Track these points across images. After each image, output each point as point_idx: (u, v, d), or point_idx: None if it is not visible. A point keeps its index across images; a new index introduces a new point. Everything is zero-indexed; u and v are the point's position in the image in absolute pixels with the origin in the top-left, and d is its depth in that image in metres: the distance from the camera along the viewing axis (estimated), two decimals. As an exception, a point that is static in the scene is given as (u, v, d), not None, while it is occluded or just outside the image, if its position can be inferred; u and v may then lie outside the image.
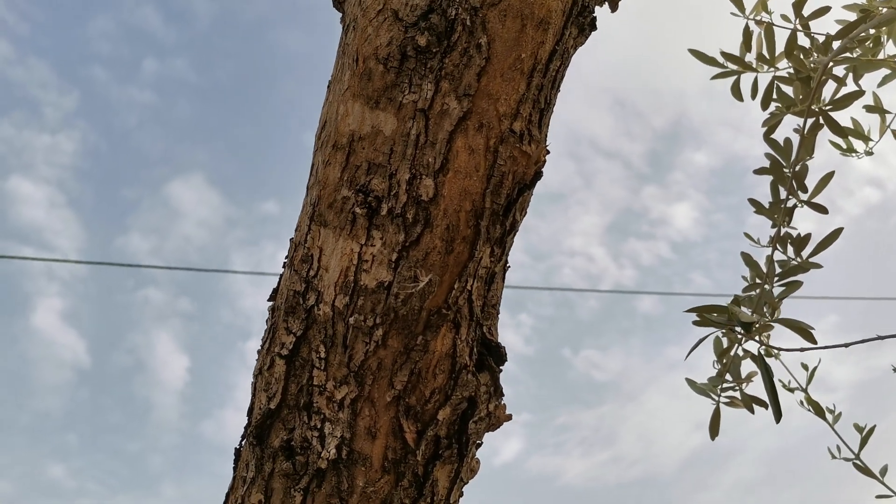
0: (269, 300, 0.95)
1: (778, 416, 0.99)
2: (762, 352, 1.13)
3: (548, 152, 0.89)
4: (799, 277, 1.58)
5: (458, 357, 0.86)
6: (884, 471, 1.90)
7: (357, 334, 0.83)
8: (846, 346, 1.26)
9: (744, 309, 1.61)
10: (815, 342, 1.48)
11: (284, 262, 0.94)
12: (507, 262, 0.91)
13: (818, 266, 1.55)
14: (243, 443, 0.93)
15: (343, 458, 0.83)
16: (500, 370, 0.95)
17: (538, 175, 0.86)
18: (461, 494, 0.97)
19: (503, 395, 0.96)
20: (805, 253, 1.57)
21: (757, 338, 1.23)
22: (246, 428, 0.93)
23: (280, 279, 0.94)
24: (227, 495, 0.93)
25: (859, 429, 1.93)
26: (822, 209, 1.61)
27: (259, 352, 0.94)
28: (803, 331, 1.45)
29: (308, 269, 0.87)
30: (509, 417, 1.02)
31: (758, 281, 1.61)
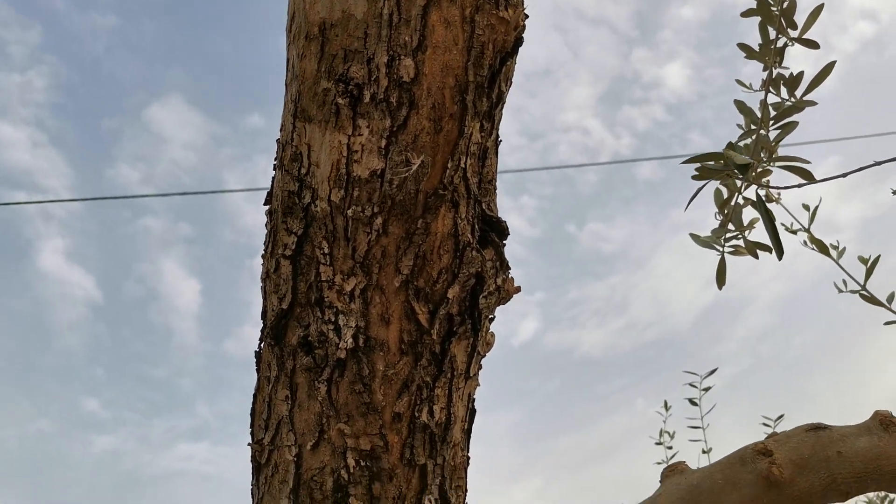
0: (265, 204, 0.95)
1: (780, 253, 1.00)
2: (761, 195, 1.13)
3: (526, 16, 0.86)
4: (795, 118, 1.56)
5: (461, 235, 0.86)
6: (890, 298, 1.94)
7: (357, 225, 0.84)
8: (844, 175, 1.25)
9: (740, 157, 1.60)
10: (813, 179, 1.47)
11: (274, 165, 0.93)
12: (498, 135, 0.90)
13: (813, 103, 1.53)
14: (262, 345, 0.95)
15: (361, 346, 0.85)
16: (504, 244, 0.95)
17: (519, 41, 0.84)
18: (480, 367, 1.00)
19: (509, 268, 0.97)
20: (799, 92, 1.55)
21: (756, 183, 1.23)
22: (262, 330, 0.95)
23: (272, 182, 0.94)
24: (255, 396, 0.96)
25: (864, 260, 1.96)
26: (813, 44, 1.57)
27: (263, 256, 0.94)
28: (801, 170, 1.44)
29: (299, 168, 0.87)
30: (518, 289, 1.03)
31: (753, 127, 1.59)
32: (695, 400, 3.50)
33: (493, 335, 1.04)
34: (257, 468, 0.94)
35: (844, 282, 2.03)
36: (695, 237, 1.83)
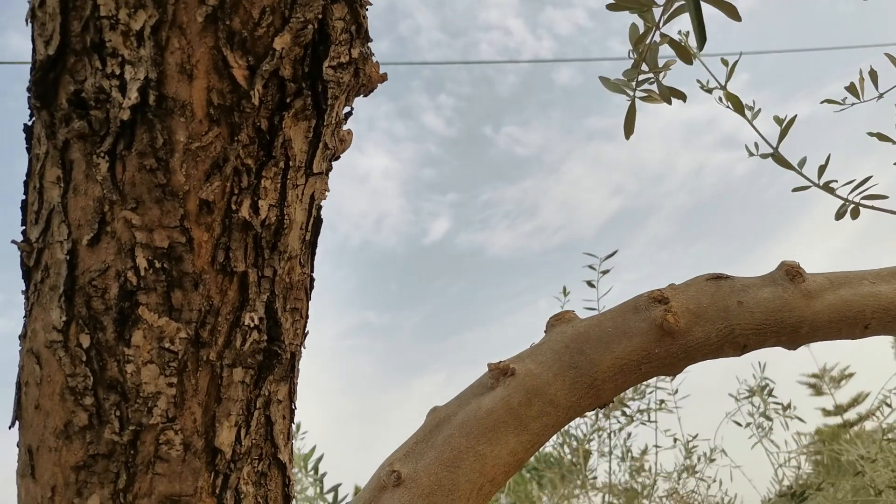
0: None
1: (702, 40, 0.82)
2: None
3: None
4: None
5: (293, -38, 0.63)
6: (802, 162, 1.83)
7: (145, -68, 0.60)
8: (766, 52, 1.06)
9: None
10: (738, 19, 1.30)
11: None
12: None
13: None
14: (31, 113, 0.71)
15: (151, 105, 0.63)
16: (366, 4, 0.74)
17: None
18: (330, 167, 0.80)
19: (370, 39, 0.76)
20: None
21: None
22: (28, 90, 0.71)
23: None
24: (25, 184, 0.73)
25: (779, 121, 1.83)
26: None
27: (30, -10, 0.69)
28: (727, 7, 1.26)
29: None
30: (384, 77, 0.82)
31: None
32: (592, 282, 3.44)
33: (349, 133, 0.83)
34: (27, 273, 0.72)
35: (756, 144, 1.90)
36: (604, 81, 1.64)
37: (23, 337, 0.72)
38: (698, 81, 1.97)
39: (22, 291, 0.74)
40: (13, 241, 0.72)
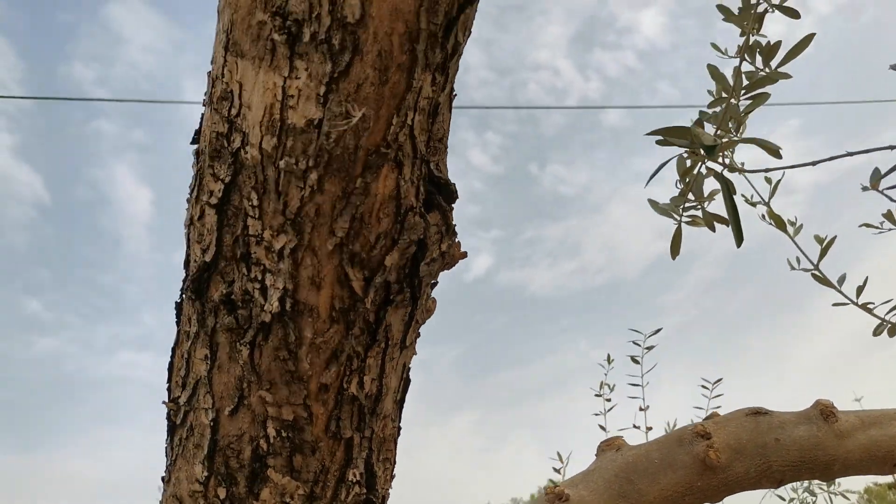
0: (192, 143, 0.86)
1: (739, 240, 0.95)
2: (725, 173, 1.07)
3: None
4: (767, 89, 1.50)
5: (403, 199, 0.79)
6: (841, 280, 1.93)
7: (290, 179, 0.76)
8: (813, 164, 1.21)
9: (708, 126, 1.55)
10: (780, 157, 1.43)
11: (204, 100, 0.85)
12: (452, 89, 0.82)
13: (787, 76, 1.47)
14: (182, 297, 0.88)
15: (288, 310, 0.78)
16: (451, 208, 0.89)
17: (481, -12, 0.76)
18: (418, 335, 0.94)
19: (456, 234, 0.91)
20: (774, 62, 1.49)
21: (720, 157, 1.17)
22: (184, 281, 0.87)
23: (201, 119, 0.85)
24: (173, 351, 0.89)
25: (819, 240, 1.94)
26: (793, 13, 1.51)
27: (188, 200, 0.86)
28: (770, 149, 1.39)
29: (229, 107, 0.78)
30: (464, 255, 0.97)
31: (724, 95, 1.53)
32: (637, 358, 3.53)
33: (434, 301, 0.98)
34: (172, 428, 0.87)
35: (798, 259, 2.01)
36: (653, 204, 1.78)
37: (166, 481, 0.88)
38: (742, 195, 2.09)
39: (165, 441, 0.89)
40: (164, 402, 0.88)
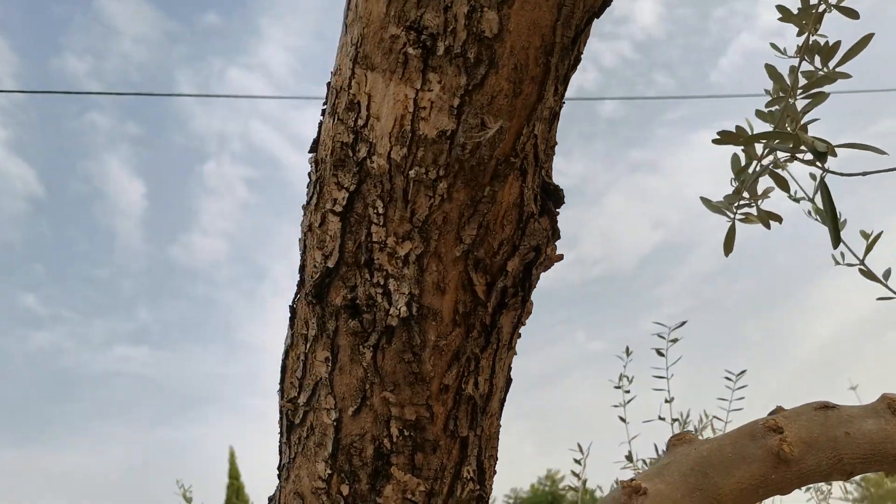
0: (310, 151, 0.88)
1: (836, 241, 0.98)
2: (824, 177, 1.10)
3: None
4: (825, 89, 1.53)
5: (525, 206, 0.81)
6: (887, 274, 1.95)
7: (419, 188, 0.78)
8: (864, 174, 1.23)
9: (764, 125, 1.57)
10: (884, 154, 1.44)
11: (323, 110, 0.87)
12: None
13: (847, 76, 1.49)
14: (297, 300, 0.90)
15: (414, 314, 0.81)
16: (558, 213, 0.91)
17: (607, 2, 0.78)
18: (519, 336, 0.97)
19: (559, 237, 0.93)
20: (832, 63, 1.51)
21: (818, 162, 1.19)
22: (300, 285, 0.90)
23: (319, 128, 0.87)
24: (286, 352, 0.92)
25: (865, 235, 1.96)
26: (852, 14, 1.53)
27: (305, 207, 0.88)
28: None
29: (356, 118, 0.80)
30: (560, 258, 1.00)
31: (781, 94, 1.55)
32: (661, 350, 3.56)
33: (531, 303, 1.01)
34: (289, 427, 0.90)
35: (842, 254, 2.04)
36: (706, 202, 1.81)
37: (284, 478, 0.91)
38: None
39: (281, 440, 0.92)
40: (281, 403, 0.90)
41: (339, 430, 0.85)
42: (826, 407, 1.30)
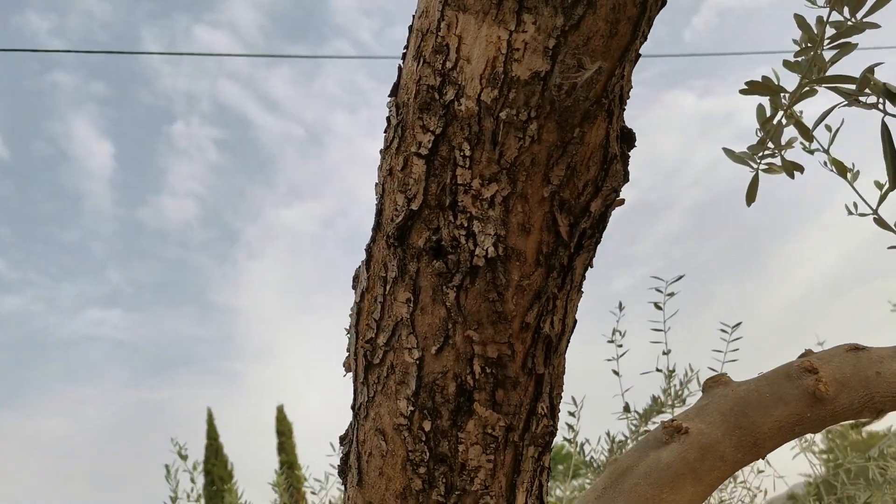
0: (390, 95, 0.89)
1: (893, 183, 1.01)
2: (885, 121, 1.12)
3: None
4: (853, 39, 1.54)
5: (610, 147, 0.83)
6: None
7: (509, 130, 0.79)
8: None
9: (791, 75, 1.58)
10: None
11: (403, 53, 0.87)
12: None
13: (876, 26, 1.51)
14: (373, 243, 0.91)
15: (499, 254, 0.83)
16: (630, 156, 0.93)
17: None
18: (584, 278, 0.99)
19: (629, 179, 0.95)
20: (861, 13, 1.53)
21: (880, 104, 1.21)
22: (376, 229, 0.91)
23: (399, 72, 0.87)
24: (362, 294, 0.93)
25: (879, 185, 2.00)
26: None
27: (384, 151, 0.89)
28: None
29: (444, 61, 0.81)
30: (622, 202, 1.02)
31: (808, 45, 1.57)
32: (659, 304, 3.62)
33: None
34: (367, 367, 0.92)
35: (855, 204, 2.08)
36: (728, 152, 1.83)
37: (363, 417, 0.93)
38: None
39: (357, 379, 0.94)
40: (359, 344, 0.92)
41: (421, 368, 0.87)
42: (857, 349, 1.35)
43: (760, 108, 1.73)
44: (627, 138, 0.90)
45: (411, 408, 0.87)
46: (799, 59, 1.61)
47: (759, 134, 1.76)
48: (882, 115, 1.13)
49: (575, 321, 0.99)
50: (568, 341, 0.97)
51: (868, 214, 2.06)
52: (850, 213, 2.10)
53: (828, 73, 1.36)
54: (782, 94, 1.63)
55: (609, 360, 3.44)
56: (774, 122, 1.70)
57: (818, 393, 1.26)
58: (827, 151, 2.13)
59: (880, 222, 2.03)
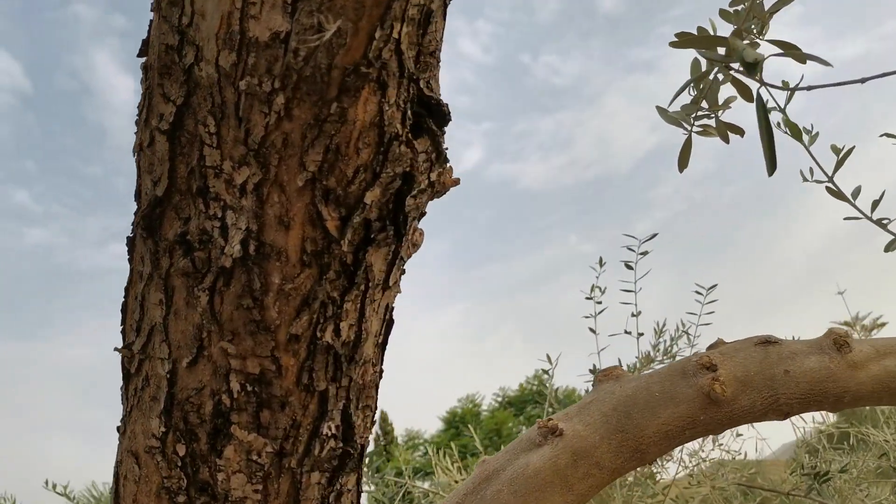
0: (139, 55, 0.73)
1: (772, 168, 0.85)
2: (761, 92, 0.95)
3: None
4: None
5: (387, 126, 0.67)
6: (856, 193, 1.82)
7: (252, 102, 0.64)
8: (862, 81, 1.08)
9: (728, 26, 1.40)
10: (804, 61, 1.29)
11: (152, 4, 0.71)
12: None
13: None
14: (134, 234, 0.77)
15: (251, 253, 0.68)
16: (443, 132, 0.77)
17: None
18: (403, 272, 0.85)
19: (447, 160, 0.79)
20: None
21: (748, 73, 1.04)
22: (135, 214, 0.76)
23: (149, 27, 0.72)
24: (126, 290, 0.79)
25: (836, 150, 1.82)
26: None
27: (137, 122, 0.74)
28: (796, 53, 1.25)
29: (180, 15, 0.65)
30: (456, 182, 0.86)
31: (748, -7, 1.38)
32: (630, 264, 3.46)
33: (421, 233, 0.88)
34: (127, 376, 0.79)
35: (811, 170, 1.90)
36: (662, 111, 1.65)
37: (121, 433, 0.80)
38: (801, 174, 1.94)
39: (120, 388, 0.81)
40: (115, 349, 0.79)
41: (173, 382, 0.73)
42: (768, 342, 1.20)
43: (695, 62, 1.55)
44: (437, 113, 0.74)
45: (163, 428, 0.74)
46: (737, 7, 1.42)
47: (691, 92, 1.58)
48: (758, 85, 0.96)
49: (390, 321, 0.85)
50: (379, 346, 0.83)
51: (823, 182, 1.88)
52: (806, 179, 1.92)
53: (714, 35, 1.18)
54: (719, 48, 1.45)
55: (587, 317, 3.30)
56: (710, 78, 1.52)
57: (713, 394, 1.11)
58: (783, 111, 1.94)
59: (834, 192, 1.85)
